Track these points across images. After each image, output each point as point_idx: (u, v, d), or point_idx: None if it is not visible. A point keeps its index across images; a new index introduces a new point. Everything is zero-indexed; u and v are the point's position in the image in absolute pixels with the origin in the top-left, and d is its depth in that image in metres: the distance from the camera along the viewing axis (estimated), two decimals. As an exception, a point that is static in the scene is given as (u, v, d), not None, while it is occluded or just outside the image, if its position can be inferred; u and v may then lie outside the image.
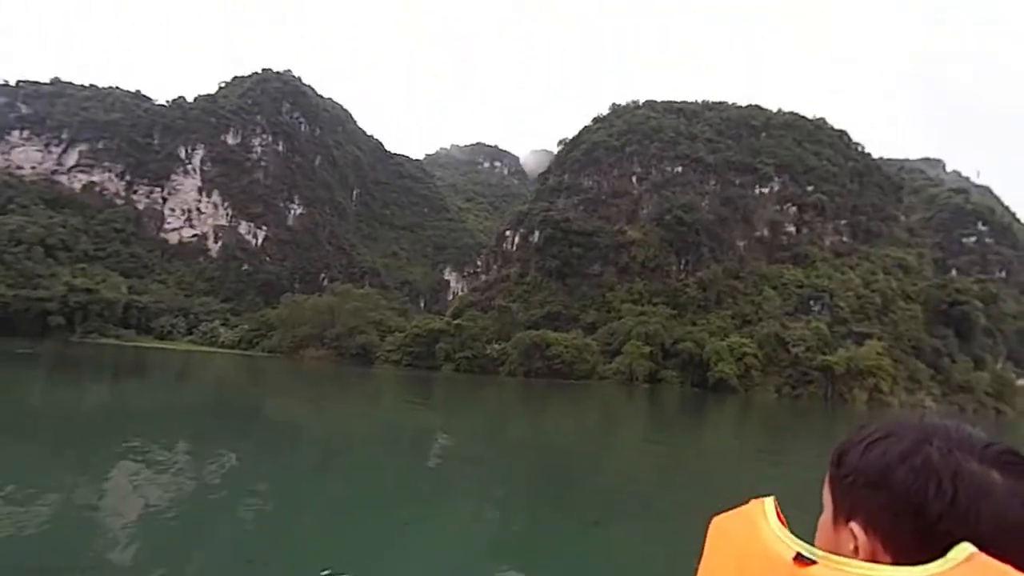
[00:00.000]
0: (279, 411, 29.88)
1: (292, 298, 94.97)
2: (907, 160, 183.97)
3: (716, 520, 0.80)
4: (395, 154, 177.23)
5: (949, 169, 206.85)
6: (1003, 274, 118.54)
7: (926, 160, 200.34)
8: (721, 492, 16.12)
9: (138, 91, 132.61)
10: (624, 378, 78.07)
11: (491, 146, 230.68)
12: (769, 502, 0.76)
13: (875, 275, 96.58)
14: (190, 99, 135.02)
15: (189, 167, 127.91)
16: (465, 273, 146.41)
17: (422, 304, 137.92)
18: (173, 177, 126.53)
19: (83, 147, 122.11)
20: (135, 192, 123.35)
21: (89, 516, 9.87)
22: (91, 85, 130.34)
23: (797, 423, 52.53)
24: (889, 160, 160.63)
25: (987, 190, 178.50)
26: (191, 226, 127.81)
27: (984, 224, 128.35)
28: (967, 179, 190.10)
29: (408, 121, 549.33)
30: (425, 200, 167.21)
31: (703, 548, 0.78)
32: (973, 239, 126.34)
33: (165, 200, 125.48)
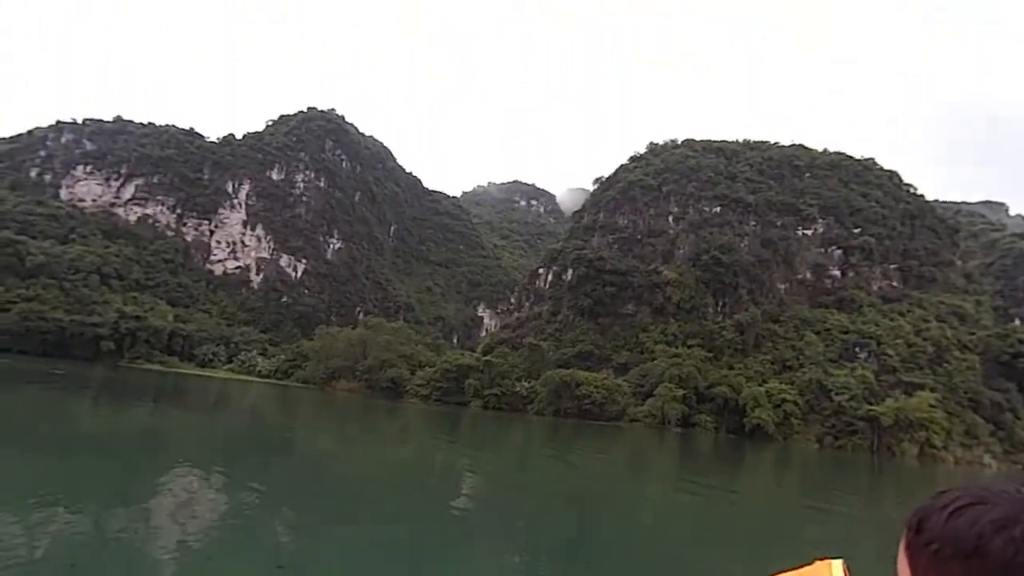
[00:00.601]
0: (308, 444, 30.22)
1: (326, 330, 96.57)
2: (965, 203, 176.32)
3: None
4: (432, 191, 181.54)
5: (1013, 213, 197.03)
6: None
7: (987, 204, 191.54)
8: (760, 552, 15.21)
9: (191, 128, 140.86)
10: (656, 421, 75.25)
11: (528, 184, 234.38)
12: (838, 565, 0.71)
13: (928, 322, 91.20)
14: (239, 136, 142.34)
15: (235, 201, 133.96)
16: (499, 310, 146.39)
17: (455, 340, 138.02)
18: (220, 211, 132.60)
19: (139, 181, 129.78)
20: (185, 224, 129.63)
21: (116, 536, 10.23)
22: (149, 123, 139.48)
23: (841, 476, 49.10)
24: (945, 203, 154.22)
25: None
26: (235, 258, 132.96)
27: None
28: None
29: (447, 159, 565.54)
30: (461, 237, 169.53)
31: None
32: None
33: (212, 233, 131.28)
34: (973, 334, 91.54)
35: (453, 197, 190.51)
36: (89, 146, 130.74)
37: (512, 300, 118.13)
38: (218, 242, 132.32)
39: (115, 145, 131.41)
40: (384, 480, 20.68)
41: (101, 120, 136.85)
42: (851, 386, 79.44)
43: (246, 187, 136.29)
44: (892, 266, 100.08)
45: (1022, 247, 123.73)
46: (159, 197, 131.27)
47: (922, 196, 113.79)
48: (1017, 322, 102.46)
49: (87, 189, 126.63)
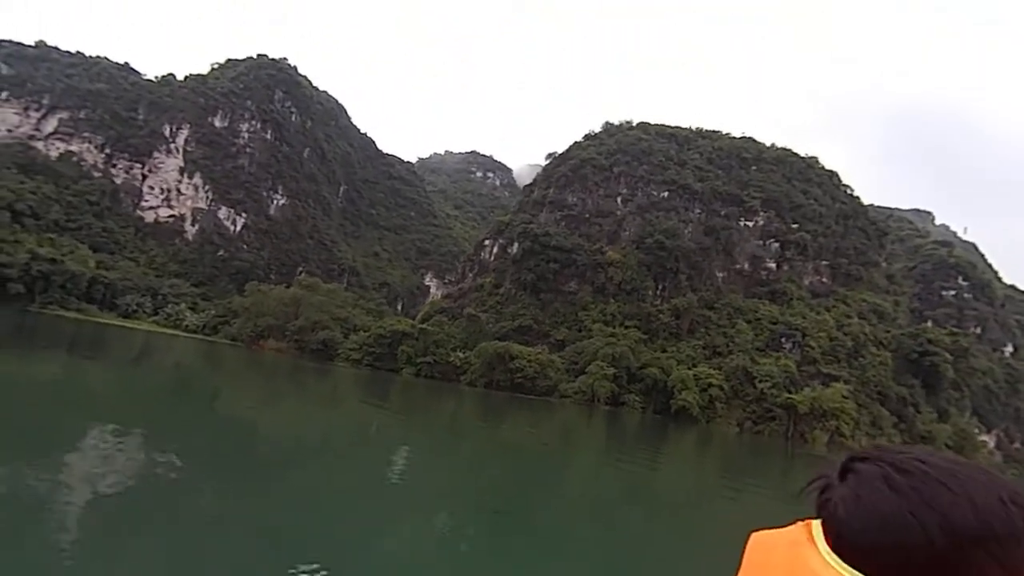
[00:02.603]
0: (232, 404, 28.68)
1: (258, 286, 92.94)
2: (897, 209, 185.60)
3: (757, 537, 0.76)
4: (387, 154, 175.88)
5: (938, 222, 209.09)
6: (978, 330, 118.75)
7: (916, 211, 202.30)
8: (676, 522, 15.86)
9: (126, 63, 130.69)
10: (585, 398, 76.54)
11: (486, 156, 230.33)
12: (817, 525, 0.71)
13: (850, 318, 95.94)
14: (180, 77, 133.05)
15: (173, 146, 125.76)
16: (446, 280, 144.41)
17: (400, 307, 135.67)
18: (155, 155, 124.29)
19: (63, 115, 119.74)
20: (114, 166, 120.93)
21: (21, 499, 9.40)
22: (77, 52, 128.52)
23: (756, 458, 51.46)
24: (880, 207, 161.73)
25: (972, 246, 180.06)
26: (169, 206, 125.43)
27: (965, 279, 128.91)
28: (954, 233, 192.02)
29: (404, 122, 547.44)
30: (413, 203, 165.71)
31: (740, 562, 0.75)
32: (952, 293, 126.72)
33: (144, 177, 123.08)
34: (888, 332, 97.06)
35: (408, 162, 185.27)
36: (6, 70, 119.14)
37: (459, 270, 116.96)
38: (151, 188, 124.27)
39: (36, 72, 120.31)
40: (310, 445, 19.88)
41: (21, 43, 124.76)
42: (774, 374, 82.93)
43: (185, 132, 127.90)
44: (824, 262, 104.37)
45: (941, 254, 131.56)
46: (86, 134, 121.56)
47: (858, 198, 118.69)
48: (929, 323, 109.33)
49: (1, 118, 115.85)
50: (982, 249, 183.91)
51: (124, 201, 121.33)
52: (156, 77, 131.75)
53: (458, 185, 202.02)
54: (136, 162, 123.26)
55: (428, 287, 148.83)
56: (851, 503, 0.67)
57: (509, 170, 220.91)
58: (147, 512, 9.85)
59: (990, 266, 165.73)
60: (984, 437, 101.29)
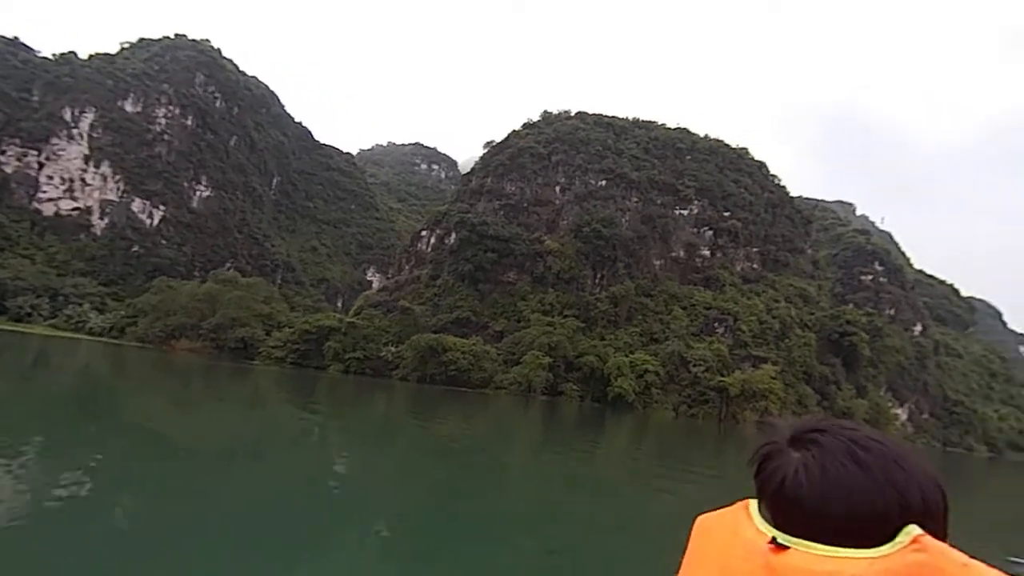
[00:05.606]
0: (136, 411, 25.24)
1: (167, 282, 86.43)
2: (823, 200, 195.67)
3: (701, 519, 0.84)
4: (324, 144, 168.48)
5: (859, 212, 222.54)
6: (891, 311, 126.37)
7: (840, 203, 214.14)
8: (615, 511, 15.55)
9: (16, 38, 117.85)
10: (522, 389, 75.45)
11: (430, 148, 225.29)
12: (753, 502, 0.79)
13: (778, 302, 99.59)
14: (83, 56, 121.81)
15: (75, 131, 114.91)
16: (389, 275, 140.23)
17: (340, 304, 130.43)
18: (54, 141, 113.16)
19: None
20: (3, 153, 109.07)
21: None
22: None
23: (689, 440, 51.83)
24: (808, 199, 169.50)
25: (888, 235, 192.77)
26: (72, 198, 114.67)
27: (880, 264, 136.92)
28: (872, 223, 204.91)
29: (344, 114, 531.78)
30: (353, 196, 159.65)
31: (687, 544, 0.82)
32: (870, 277, 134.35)
33: (41, 166, 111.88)
34: (813, 314, 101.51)
35: (347, 153, 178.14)
36: None
37: (395, 263, 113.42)
38: (49, 177, 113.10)
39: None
40: (230, 450, 18.30)
41: None
42: (707, 358, 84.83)
43: (90, 116, 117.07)
44: (754, 249, 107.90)
45: (860, 241, 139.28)
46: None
47: (784, 187, 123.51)
48: (850, 306, 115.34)
49: None
50: (896, 238, 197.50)
51: (16, 192, 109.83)
52: (54, 55, 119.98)
53: (402, 177, 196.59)
54: (31, 148, 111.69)
55: (371, 282, 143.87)
56: (815, 472, 0.73)
57: (454, 162, 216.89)
58: (51, 535, 8.64)
59: (903, 253, 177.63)
60: (897, 410, 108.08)
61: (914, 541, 0.67)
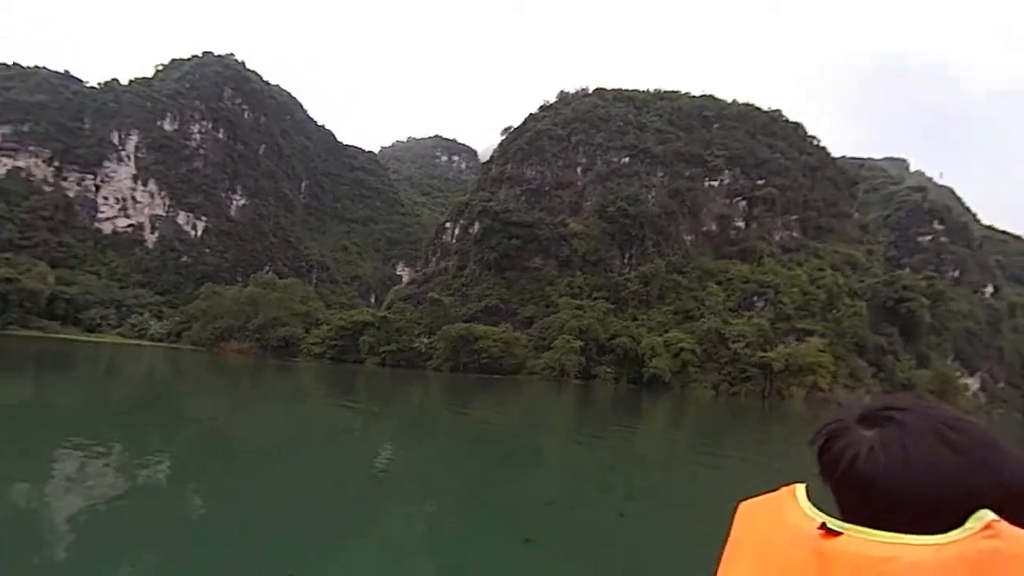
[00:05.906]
0: (199, 410, 27.42)
1: (212, 288, 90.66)
2: (870, 159, 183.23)
3: (743, 505, 0.80)
4: (347, 145, 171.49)
5: (913, 168, 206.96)
6: (956, 273, 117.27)
7: (890, 159, 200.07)
8: (658, 502, 15.06)
9: (66, 71, 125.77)
10: (554, 374, 74.57)
11: (449, 139, 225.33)
12: (800, 487, 0.76)
13: (823, 271, 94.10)
14: (124, 82, 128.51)
15: (123, 153, 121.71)
16: (418, 268, 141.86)
17: (373, 299, 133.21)
18: (106, 164, 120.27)
19: (6, 130, 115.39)
20: (65, 179, 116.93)
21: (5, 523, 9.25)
22: (14, 64, 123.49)
23: (733, 420, 49.49)
24: (852, 158, 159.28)
25: (949, 191, 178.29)
26: (126, 215, 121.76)
27: (940, 223, 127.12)
28: (929, 179, 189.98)
29: (363, 112, 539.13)
30: (378, 194, 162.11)
31: (729, 531, 0.78)
32: (928, 238, 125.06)
33: (98, 188, 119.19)
34: (863, 282, 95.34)
35: (370, 152, 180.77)
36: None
37: (423, 256, 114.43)
38: (105, 198, 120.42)
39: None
40: (283, 444, 19.37)
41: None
42: (747, 334, 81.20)
43: (134, 138, 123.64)
44: (793, 217, 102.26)
45: (915, 200, 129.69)
46: (31, 148, 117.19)
47: (824, 149, 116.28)
48: (907, 270, 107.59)
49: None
50: (959, 193, 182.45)
51: (80, 213, 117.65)
52: (99, 84, 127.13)
53: (424, 171, 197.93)
54: (87, 173, 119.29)
55: (400, 276, 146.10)
56: (894, 450, 0.68)
57: (474, 151, 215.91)
58: (131, 524, 9.84)
59: (967, 209, 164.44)
60: (967, 380, 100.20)
61: (987, 527, 0.60)
